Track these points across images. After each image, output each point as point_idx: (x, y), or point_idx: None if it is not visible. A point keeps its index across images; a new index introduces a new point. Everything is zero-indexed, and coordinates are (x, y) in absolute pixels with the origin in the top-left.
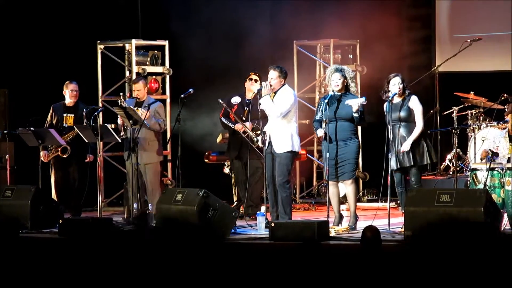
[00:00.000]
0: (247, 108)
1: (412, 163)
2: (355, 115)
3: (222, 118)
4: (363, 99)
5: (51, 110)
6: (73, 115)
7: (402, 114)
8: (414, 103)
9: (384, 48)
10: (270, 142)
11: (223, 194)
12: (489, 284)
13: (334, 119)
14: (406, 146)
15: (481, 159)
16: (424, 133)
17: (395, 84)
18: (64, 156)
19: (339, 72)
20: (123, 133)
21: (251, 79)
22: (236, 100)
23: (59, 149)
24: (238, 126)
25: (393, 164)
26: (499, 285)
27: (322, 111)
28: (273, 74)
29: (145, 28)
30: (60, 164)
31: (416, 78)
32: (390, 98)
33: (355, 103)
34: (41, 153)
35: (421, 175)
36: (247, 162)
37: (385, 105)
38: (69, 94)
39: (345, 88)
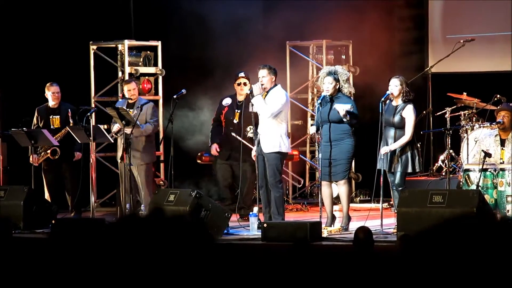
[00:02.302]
0: (238, 111)
1: (388, 169)
2: (344, 120)
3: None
4: (349, 105)
5: (36, 113)
6: (58, 116)
7: (395, 119)
8: (407, 112)
9: (377, 48)
10: (259, 143)
11: (215, 194)
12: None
13: (327, 121)
14: (384, 149)
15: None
16: (412, 142)
17: (396, 86)
18: (55, 158)
19: (331, 76)
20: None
21: (239, 83)
22: (227, 102)
23: (49, 152)
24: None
25: (382, 164)
26: (497, 285)
27: (316, 113)
28: (262, 73)
29: (137, 29)
30: (51, 166)
31: (409, 79)
32: (383, 99)
33: (341, 109)
34: (31, 157)
35: (404, 179)
36: (238, 165)
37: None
38: (52, 96)
39: (338, 90)
